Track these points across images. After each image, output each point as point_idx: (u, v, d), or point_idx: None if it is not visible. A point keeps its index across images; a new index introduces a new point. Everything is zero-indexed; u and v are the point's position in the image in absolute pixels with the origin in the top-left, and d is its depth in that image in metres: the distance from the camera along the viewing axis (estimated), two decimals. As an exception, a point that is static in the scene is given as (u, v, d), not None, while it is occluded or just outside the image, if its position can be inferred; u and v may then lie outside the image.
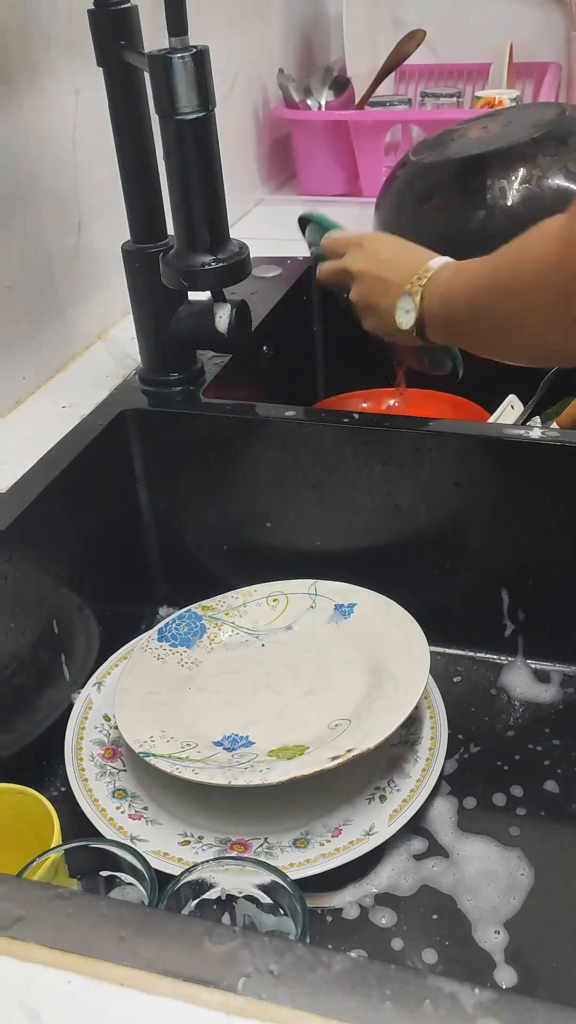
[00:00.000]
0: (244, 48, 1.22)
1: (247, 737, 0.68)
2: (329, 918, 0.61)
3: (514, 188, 0.94)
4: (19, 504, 0.69)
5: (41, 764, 0.72)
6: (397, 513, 0.77)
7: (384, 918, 0.61)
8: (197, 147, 0.65)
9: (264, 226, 1.22)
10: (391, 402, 0.98)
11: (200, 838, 0.64)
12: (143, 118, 0.74)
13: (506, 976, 0.58)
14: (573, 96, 1.52)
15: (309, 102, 1.32)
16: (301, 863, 0.61)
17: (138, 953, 0.39)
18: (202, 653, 0.76)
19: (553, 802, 0.68)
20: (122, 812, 0.65)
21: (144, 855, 0.52)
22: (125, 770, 0.69)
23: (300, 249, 1.10)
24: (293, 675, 0.73)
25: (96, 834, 0.64)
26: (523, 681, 0.78)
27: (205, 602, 0.79)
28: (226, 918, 0.53)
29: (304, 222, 0.92)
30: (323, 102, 1.32)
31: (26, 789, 0.59)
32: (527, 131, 0.97)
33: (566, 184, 0.94)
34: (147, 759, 0.64)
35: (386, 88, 1.41)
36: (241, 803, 0.65)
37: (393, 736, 0.63)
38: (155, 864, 0.59)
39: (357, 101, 1.33)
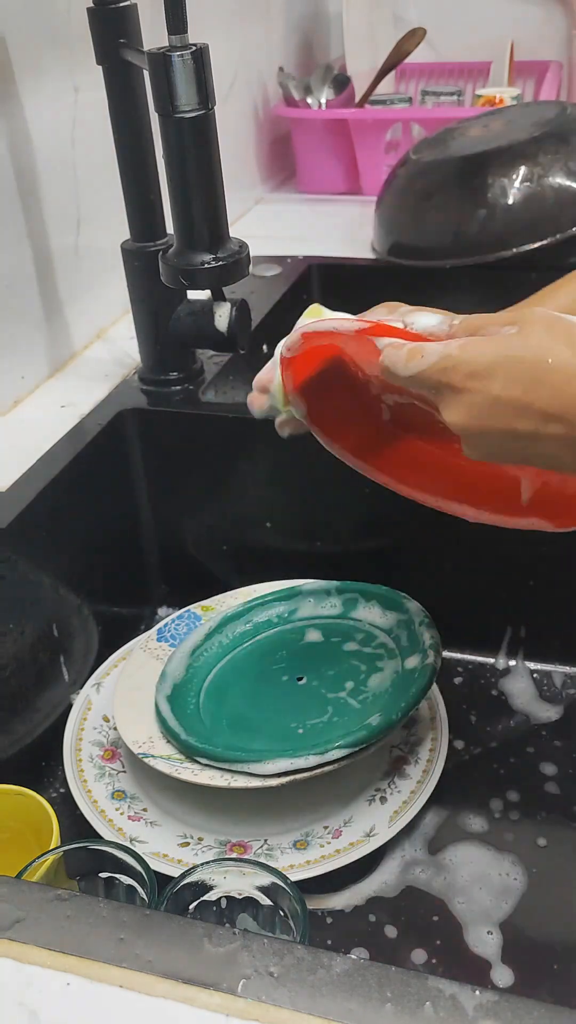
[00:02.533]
0: (244, 46, 1.22)
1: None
2: (329, 919, 0.61)
3: (515, 186, 0.94)
4: (18, 504, 0.69)
5: (40, 765, 0.72)
6: (398, 514, 0.76)
7: (384, 920, 0.61)
8: (197, 145, 0.65)
9: (264, 225, 1.22)
10: None
11: (200, 839, 0.64)
12: (143, 116, 0.74)
13: (503, 977, 0.57)
14: (574, 95, 1.52)
15: (309, 100, 1.31)
16: (301, 865, 0.61)
17: (137, 955, 0.39)
18: None
19: (554, 804, 0.68)
20: (121, 813, 0.65)
21: (143, 856, 0.52)
22: (124, 771, 0.69)
23: (299, 247, 1.10)
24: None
25: (95, 835, 0.64)
26: (524, 682, 0.77)
27: (204, 602, 0.79)
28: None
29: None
30: (323, 100, 1.32)
31: (25, 790, 0.59)
32: (528, 129, 0.97)
33: (567, 182, 0.94)
34: (146, 760, 0.63)
35: (386, 86, 1.41)
36: (241, 804, 0.65)
37: (393, 737, 0.63)
38: (154, 866, 0.59)
39: (357, 99, 1.33)
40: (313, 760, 0.60)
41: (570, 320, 0.48)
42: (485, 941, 0.59)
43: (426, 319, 0.53)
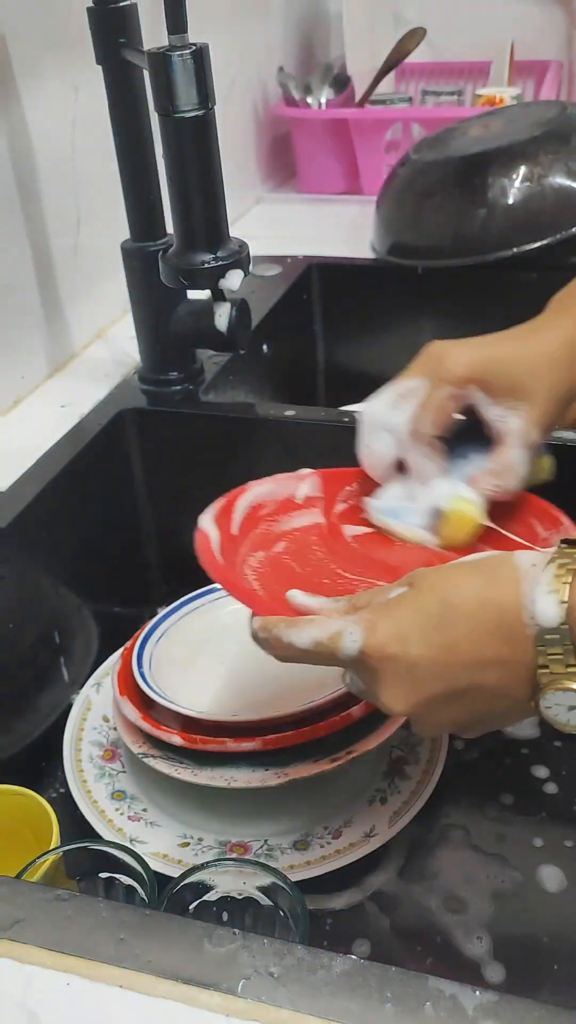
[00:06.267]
0: (244, 46, 1.22)
1: None
2: (329, 920, 0.61)
3: (515, 186, 0.94)
4: (18, 504, 0.69)
5: (40, 765, 0.72)
6: (397, 513, 0.76)
7: (384, 920, 0.61)
8: (196, 145, 0.65)
9: (264, 225, 1.22)
10: None
11: (200, 840, 0.64)
12: (142, 116, 0.74)
13: (497, 975, 0.57)
14: (574, 95, 1.52)
15: (309, 100, 1.31)
16: (301, 865, 0.61)
17: (138, 955, 0.39)
18: None
19: (552, 804, 0.68)
20: (121, 814, 0.65)
21: (143, 857, 0.52)
22: (124, 771, 0.69)
23: (299, 247, 1.10)
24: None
25: (95, 835, 0.64)
26: (524, 681, 0.77)
27: None
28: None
29: None
30: (323, 100, 1.32)
31: (25, 790, 0.59)
32: (528, 129, 0.97)
33: (567, 182, 0.94)
34: (146, 760, 0.63)
35: (387, 86, 1.41)
36: (241, 804, 0.65)
37: (393, 737, 0.63)
38: (154, 866, 0.59)
39: (357, 99, 1.33)
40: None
41: (463, 560, 0.45)
42: (481, 942, 0.59)
43: (311, 601, 0.49)
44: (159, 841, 0.63)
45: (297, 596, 0.50)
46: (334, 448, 0.76)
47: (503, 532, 0.57)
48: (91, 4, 0.71)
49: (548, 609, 0.40)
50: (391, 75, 1.39)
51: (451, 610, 0.42)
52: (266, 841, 0.63)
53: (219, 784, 0.60)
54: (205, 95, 0.64)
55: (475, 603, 0.41)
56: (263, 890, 0.52)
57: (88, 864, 0.53)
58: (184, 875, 0.51)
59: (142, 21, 0.73)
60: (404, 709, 0.44)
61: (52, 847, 0.55)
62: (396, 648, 0.42)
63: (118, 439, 0.80)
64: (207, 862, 0.52)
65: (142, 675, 0.66)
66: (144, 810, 0.66)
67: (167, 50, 0.62)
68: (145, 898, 0.51)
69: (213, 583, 0.77)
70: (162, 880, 0.52)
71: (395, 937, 0.60)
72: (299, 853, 0.62)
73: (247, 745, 0.60)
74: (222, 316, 0.75)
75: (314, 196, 1.30)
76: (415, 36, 1.32)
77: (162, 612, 0.74)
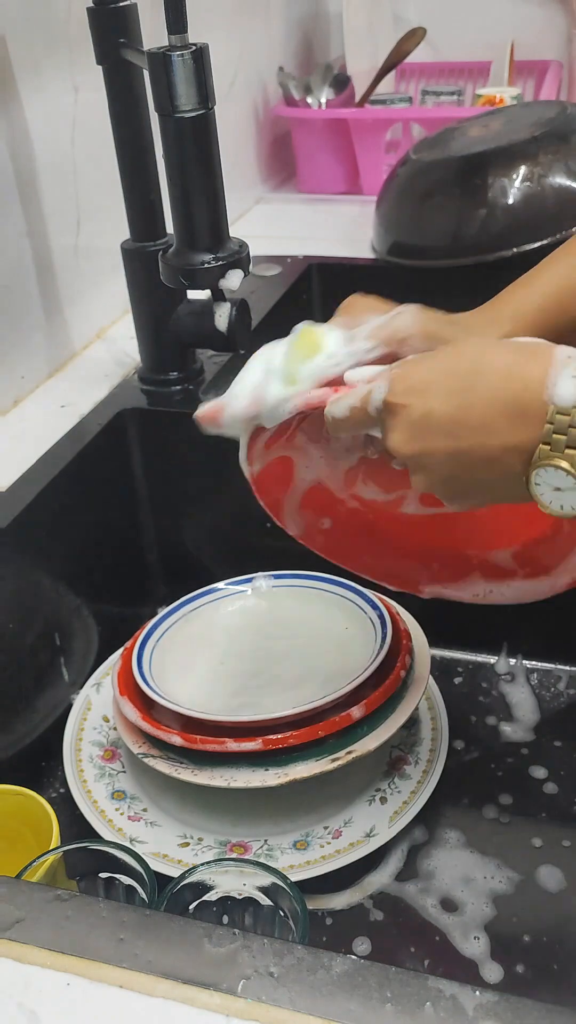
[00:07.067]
0: (244, 46, 1.22)
1: None
2: (329, 919, 0.61)
3: (515, 186, 0.94)
4: (18, 504, 0.69)
5: (40, 765, 0.72)
6: (397, 513, 0.76)
7: (384, 920, 0.61)
8: (197, 145, 0.65)
9: (264, 225, 1.22)
10: None
11: (200, 840, 0.64)
12: (143, 116, 0.74)
13: (495, 974, 0.57)
14: (574, 95, 1.52)
15: (309, 100, 1.31)
16: (301, 865, 0.61)
17: (137, 955, 0.39)
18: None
19: (552, 804, 0.68)
20: (121, 814, 0.65)
21: (143, 857, 0.52)
22: (124, 771, 0.69)
23: (299, 247, 1.10)
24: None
25: (95, 835, 0.64)
26: (523, 683, 0.77)
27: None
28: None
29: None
30: (323, 100, 1.32)
31: (25, 790, 0.59)
32: (528, 129, 0.97)
33: (567, 182, 0.94)
34: (146, 760, 0.63)
35: (387, 86, 1.41)
36: (241, 804, 0.65)
37: (393, 738, 0.63)
38: (154, 866, 0.59)
39: (357, 99, 1.33)
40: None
41: (511, 340, 0.48)
42: (479, 942, 0.59)
43: (364, 370, 0.51)
44: (159, 841, 0.63)
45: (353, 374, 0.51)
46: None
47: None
48: (91, 4, 0.71)
49: (567, 391, 0.42)
50: (391, 75, 1.39)
51: (477, 376, 0.44)
52: (266, 841, 0.63)
53: (219, 784, 0.60)
54: (205, 95, 0.64)
55: (502, 374, 0.44)
56: (263, 890, 0.52)
57: (88, 864, 0.53)
58: (184, 875, 0.51)
59: (142, 21, 0.73)
60: (408, 452, 0.46)
61: (52, 847, 0.55)
62: (415, 398, 0.45)
63: (118, 439, 0.80)
64: (207, 862, 0.52)
65: (142, 675, 0.66)
66: (144, 810, 0.66)
67: (167, 50, 0.62)
68: (145, 898, 0.51)
69: (213, 583, 0.78)
70: (162, 880, 0.52)
71: (395, 937, 0.60)
72: (299, 853, 0.62)
73: (247, 745, 0.60)
74: (222, 316, 0.75)
75: (314, 196, 1.30)
76: (415, 36, 1.32)
77: (162, 612, 0.74)
